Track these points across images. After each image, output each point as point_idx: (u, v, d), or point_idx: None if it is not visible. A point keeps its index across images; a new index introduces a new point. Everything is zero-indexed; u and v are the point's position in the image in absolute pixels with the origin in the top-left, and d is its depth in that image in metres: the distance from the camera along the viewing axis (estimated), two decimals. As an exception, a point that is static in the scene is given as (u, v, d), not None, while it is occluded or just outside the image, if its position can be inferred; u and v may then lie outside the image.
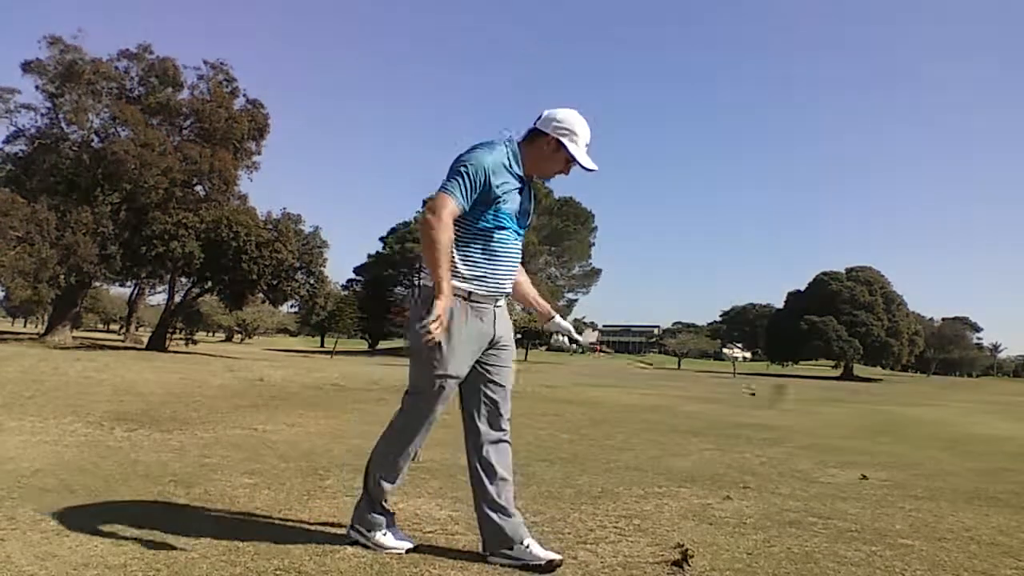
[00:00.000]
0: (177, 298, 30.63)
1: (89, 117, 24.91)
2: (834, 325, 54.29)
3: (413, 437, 2.47)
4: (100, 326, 72.44)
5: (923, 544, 2.93)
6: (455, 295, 2.38)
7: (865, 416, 11.87)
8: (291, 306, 37.79)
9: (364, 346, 62.47)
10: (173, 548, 2.40)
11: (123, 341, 33.18)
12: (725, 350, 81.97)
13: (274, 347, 52.12)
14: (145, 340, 30.94)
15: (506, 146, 2.47)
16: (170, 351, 26.64)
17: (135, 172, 23.40)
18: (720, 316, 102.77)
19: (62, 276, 22.95)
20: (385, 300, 52.64)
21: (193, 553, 2.36)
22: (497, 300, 2.51)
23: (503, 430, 2.51)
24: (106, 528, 2.59)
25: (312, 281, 29.50)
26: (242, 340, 63.22)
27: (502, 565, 2.37)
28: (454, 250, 2.39)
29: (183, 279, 29.74)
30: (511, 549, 2.39)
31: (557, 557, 2.40)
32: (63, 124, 25.26)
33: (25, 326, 61.39)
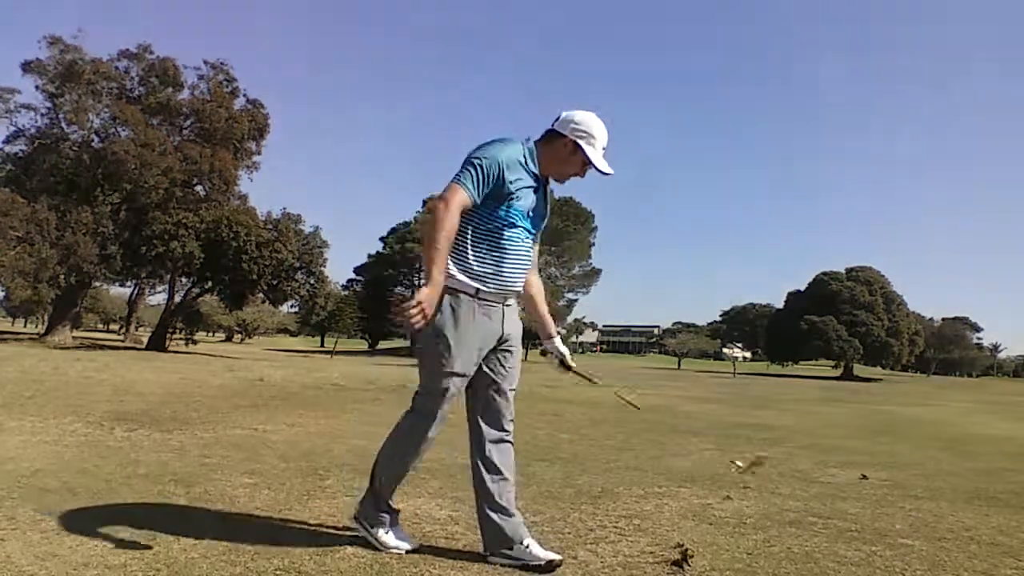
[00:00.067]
0: (177, 298, 30.62)
1: (89, 117, 24.91)
2: (834, 325, 54.29)
3: (422, 437, 2.46)
4: (100, 326, 72.42)
5: (923, 544, 2.93)
6: (463, 292, 2.37)
7: (865, 416, 11.87)
8: (291, 306, 37.80)
9: (364, 346, 62.52)
10: (173, 548, 2.40)
11: (123, 341, 33.18)
12: (725, 350, 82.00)
13: (274, 347, 52.13)
14: (145, 340, 30.93)
15: (523, 144, 2.45)
16: (170, 351, 26.64)
17: (135, 172, 23.39)
18: (720, 316, 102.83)
19: (62, 276, 22.95)
20: (385, 300, 52.65)
21: (193, 553, 2.36)
22: (506, 299, 2.49)
23: (506, 430, 2.51)
24: (106, 528, 2.59)
25: (312, 281, 29.50)
26: (242, 340, 63.20)
27: (502, 565, 2.37)
28: (469, 248, 2.38)
29: (183, 279, 29.74)
30: (511, 549, 2.39)
31: (557, 557, 2.40)
32: (63, 124, 25.26)
33: (25, 326, 61.39)
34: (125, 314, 44.33)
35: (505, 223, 2.40)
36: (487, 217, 2.38)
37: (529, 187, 2.43)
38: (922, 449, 6.88)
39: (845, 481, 4.54)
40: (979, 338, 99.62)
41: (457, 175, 2.34)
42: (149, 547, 2.40)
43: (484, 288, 2.40)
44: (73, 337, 27.05)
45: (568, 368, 2.73)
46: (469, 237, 2.40)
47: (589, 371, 2.76)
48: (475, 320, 2.39)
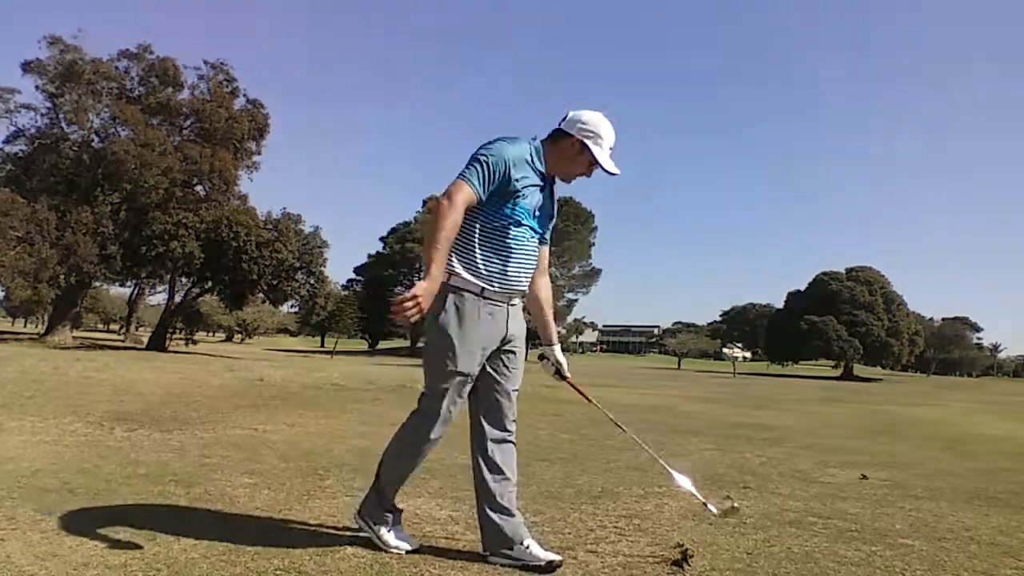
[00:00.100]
0: (177, 298, 30.62)
1: (89, 117, 24.91)
2: (834, 325, 54.30)
3: (425, 438, 2.44)
4: (100, 326, 72.40)
5: (923, 544, 2.93)
6: (468, 291, 2.36)
7: (865, 416, 11.87)
8: (291, 306, 37.78)
9: (364, 346, 62.51)
10: (173, 548, 2.40)
11: (123, 341, 33.17)
12: (725, 350, 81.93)
13: (274, 347, 52.11)
14: (145, 340, 30.94)
15: (529, 142, 2.45)
16: (170, 351, 26.63)
17: (135, 172, 23.39)
18: (720, 316, 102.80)
19: (62, 276, 22.94)
20: (385, 300, 52.64)
21: (193, 553, 2.36)
22: (511, 299, 2.47)
23: (508, 430, 2.50)
24: (106, 528, 2.59)
25: (312, 281, 29.51)
26: (242, 340, 63.19)
27: (502, 565, 2.37)
28: (476, 247, 2.37)
29: (183, 279, 29.75)
30: (511, 549, 2.38)
31: (557, 558, 2.40)
32: (63, 124, 25.26)
33: (25, 326, 61.38)
34: (125, 314, 44.33)
35: (511, 221, 2.38)
36: (493, 215, 2.37)
37: (535, 186, 2.42)
38: (922, 449, 6.88)
39: (845, 481, 4.54)
40: (979, 338, 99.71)
41: (463, 171, 2.32)
42: (149, 547, 2.40)
43: (489, 287, 2.39)
44: (73, 337, 27.05)
45: (563, 378, 2.71)
46: (476, 236, 2.38)
47: (584, 388, 2.72)
48: (479, 319, 2.37)
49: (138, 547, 2.39)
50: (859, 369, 59.49)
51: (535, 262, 2.54)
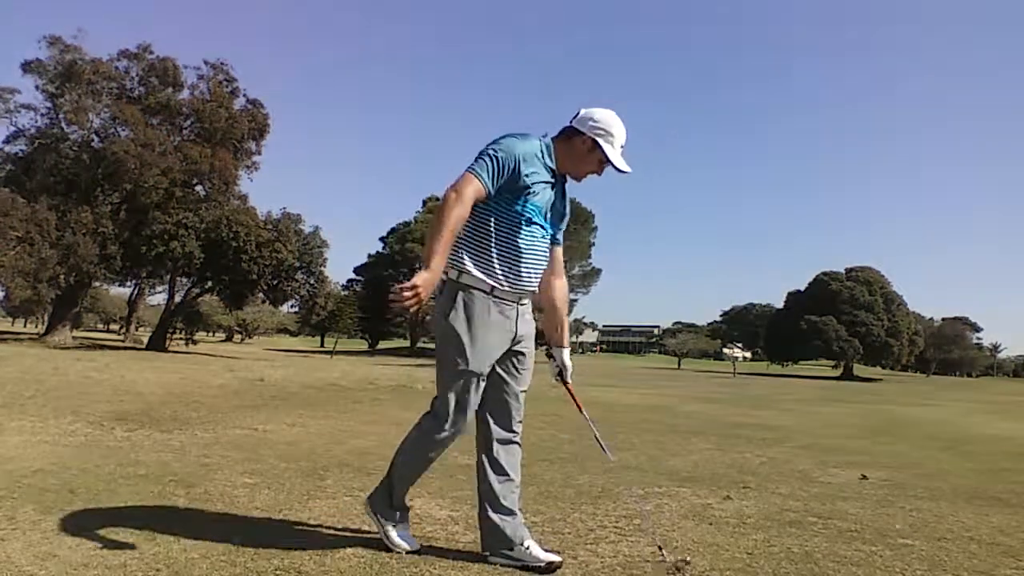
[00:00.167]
0: (177, 298, 30.62)
1: (89, 117, 24.88)
2: (834, 325, 54.28)
3: (438, 439, 2.40)
4: (100, 326, 72.39)
5: (923, 544, 2.93)
6: (477, 289, 2.33)
7: (865, 416, 11.87)
8: (291, 306, 37.73)
9: (364, 346, 62.47)
10: (173, 548, 2.40)
11: (123, 341, 33.17)
12: (725, 350, 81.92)
13: (274, 347, 52.09)
14: (145, 340, 30.93)
15: (540, 139, 2.42)
16: (170, 351, 26.64)
17: (135, 172, 23.37)
18: (720, 316, 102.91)
19: (62, 276, 22.93)
20: (385, 300, 52.58)
21: (193, 553, 2.36)
22: (521, 299, 2.44)
23: (514, 431, 2.49)
24: (106, 528, 2.59)
25: (312, 281, 29.52)
26: (242, 340, 63.14)
27: (502, 565, 2.37)
28: (491, 245, 2.34)
29: (183, 279, 29.75)
30: (511, 550, 2.38)
31: (557, 559, 2.39)
32: (63, 124, 25.23)
33: (25, 326, 61.32)
34: (125, 314, 44.32)
35: (522, 219, 2.36)
36: (504, 212, 2.34)
37: (546, 183, 2.40)
38: (922, 449, 6.88)
39: (845, 481, 4.54)
40: (979, 338, 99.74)
41: (471, 165, 2.30)
42: (149, 547, 2.40)
43: (499, 286, 2.36)
44: (73, 337, 27.03)
45: (564, 383, 2.68)
46: (488, 233, 2.35)
47: (580, 399, 2.70)
48: (490, 318, 2.35)
49: (138, 547, 2.39)
50: (859, 369, 59.48)
51: (546, 262, 2.50)
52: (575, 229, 54.46)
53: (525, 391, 2.53)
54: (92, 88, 24.79)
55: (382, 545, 2.50)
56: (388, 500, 2.51)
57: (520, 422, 2.51)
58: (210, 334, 62.65)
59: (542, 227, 2.44)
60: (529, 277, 2.42)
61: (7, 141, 25.59)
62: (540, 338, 2.60)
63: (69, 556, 2.29)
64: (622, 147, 2.46)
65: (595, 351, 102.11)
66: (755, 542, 2.84)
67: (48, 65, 24.49)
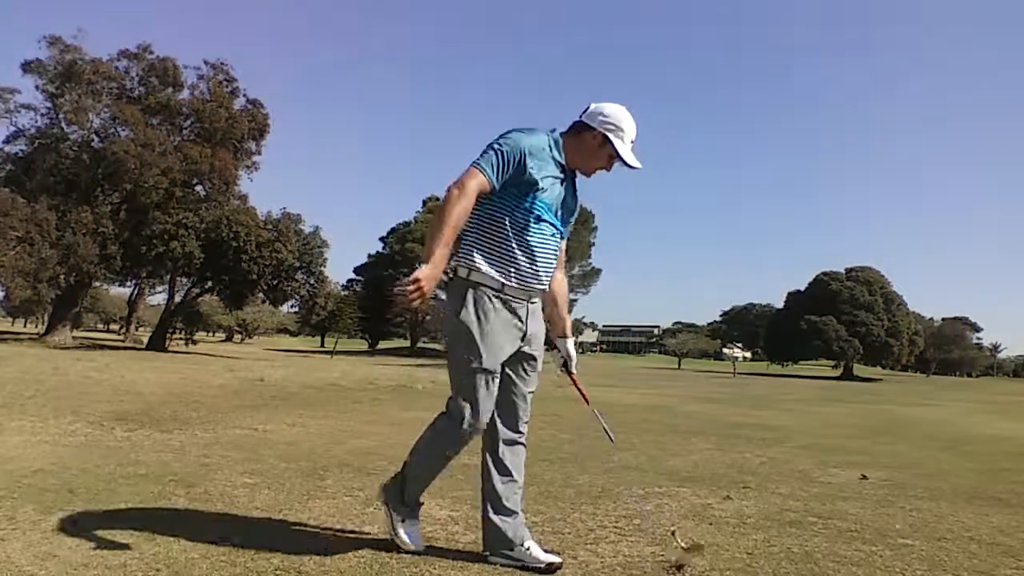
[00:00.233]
0: (177, 298, 30.62)
1: (89, 117, 24.88)
2: (834, 325, 54.28)
3: (452, 440, 2.38)
4: (100, 326, 72.38)
5: (923, 544, 2.93)
6: (487, 286, 2.31)
7: (865, 416, 11.86)
8: (291, 306, 37.74)
9: (364, 346, 62.46)
10: (173, 548, 2.40)
11: (123, 341, 33.17)
12: (725, 350, 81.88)
13: (274, 347, 52.10)
14: (145, 340, 30.93)
15: (548, 134, 2.39)
16: (170, 351, 26.64)
17: (135, 172, 23.38)
18: (720, 316, 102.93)
19: (62, 276, 22.93)
20: (386, 300, 52.62)
21: (193, 553, 2.36)
22: (531, 297, 2.41)
23: (520, 432, 2.47)
24: (106, 528, 2.59)
25: (312, 281, 29.51)
26: (242, 340, 63.13)
27: (502, 565, 2.37)
28: (498, 242, 2.32)
29: (183, 279, 29.75)
30: (511, 550, 2.38)
31: (557, 560, 2.39)
32: (63, 124, 25.24)
33: (25, 326, 61.32)
34: (125, 314, 44.32)
35: (532, 216, 2.33)
36: (514, 209, 2.32)
37: (556, 178, 2.37)
38: (922, 449, 6.87)
39: (845, 481, 4.54)
40: (979, 338, 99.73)
41: (476, 159, 2.28)
42: (149, 547, 2.40)
43: (509, 283, 2.33)
44: (73, 337, 27.04)
45: (569, 373, 2.68)
46: (498, 230, 2.32)
47: (586, 389, 2.71)
48: (499, 316, 2.32)
49: (138, 547, 2.39)
50: (859, 369, 59.48)
51: (556, 259, 2.48)
52: (575, 229, 54.31)
53: (533, 392, 2.51)
54: (92, 88, 24.80)
55: (382, 545, 2.50)
56: (400, 496, 2.50)
57: (526, 422, 2.50)
58: (210, 334, 62.64)
59: (552, 224, 2.41)
60: (540, 275, 2.40)
61: (7, 141, 25.64)
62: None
63: (69, 556, 2.29)
64: (632, 142, 2.43)
65: (595, 351, 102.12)
66: (755, 542, 2.84)
67: (48, 65, 24.50)
